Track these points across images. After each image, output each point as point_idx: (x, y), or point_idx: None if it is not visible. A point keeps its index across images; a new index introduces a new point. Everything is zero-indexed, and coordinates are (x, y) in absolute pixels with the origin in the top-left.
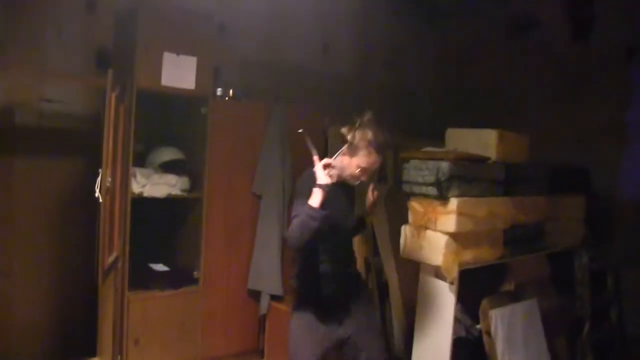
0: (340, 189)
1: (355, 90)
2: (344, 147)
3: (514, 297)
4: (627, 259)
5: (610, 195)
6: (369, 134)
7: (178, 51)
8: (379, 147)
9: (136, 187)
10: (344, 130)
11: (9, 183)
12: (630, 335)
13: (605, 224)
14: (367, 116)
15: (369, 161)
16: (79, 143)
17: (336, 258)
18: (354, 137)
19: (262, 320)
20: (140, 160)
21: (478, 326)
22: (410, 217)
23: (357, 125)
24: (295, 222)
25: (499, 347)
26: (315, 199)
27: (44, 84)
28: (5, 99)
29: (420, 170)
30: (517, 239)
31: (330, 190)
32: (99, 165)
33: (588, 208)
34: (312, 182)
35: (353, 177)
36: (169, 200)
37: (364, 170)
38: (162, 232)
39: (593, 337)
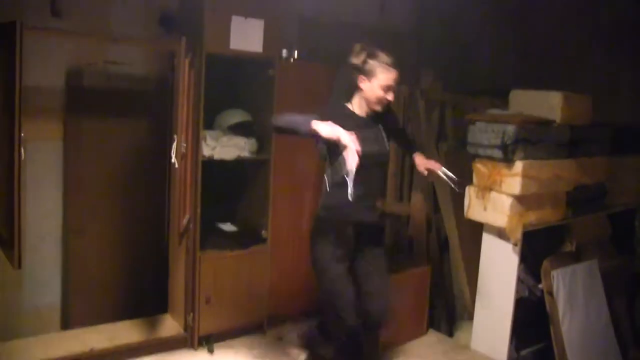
0: (369, 123)
1: (413, 48)
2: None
3: (575, 257)
4: None
5: None
6: (377, 53)
7: (245, 14)
8: (392, 62)
9: (206, 150)
10: (352, 58)
11: (79, 144)
12: None
13: None
14: (366, 41)
15: (389, 77)
16: (145, 105)
17: (367, 191)
18: (363, 60)
19: None
20: (209, 123)
21: (540, 286)
22: (475, 179)
23: (360, 49)
24: (294, 116)
25: (561, 306)
26: (323, 127)
27: (110, 46)
28: (72, 61)
29: (485, 133)
30: (579, 200)
31: (362, 126)
32: (165, 126)
33: None
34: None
35: (380, 99)
36: (237, 162)
37: (387, 87)
38: (230, 194)
39: None
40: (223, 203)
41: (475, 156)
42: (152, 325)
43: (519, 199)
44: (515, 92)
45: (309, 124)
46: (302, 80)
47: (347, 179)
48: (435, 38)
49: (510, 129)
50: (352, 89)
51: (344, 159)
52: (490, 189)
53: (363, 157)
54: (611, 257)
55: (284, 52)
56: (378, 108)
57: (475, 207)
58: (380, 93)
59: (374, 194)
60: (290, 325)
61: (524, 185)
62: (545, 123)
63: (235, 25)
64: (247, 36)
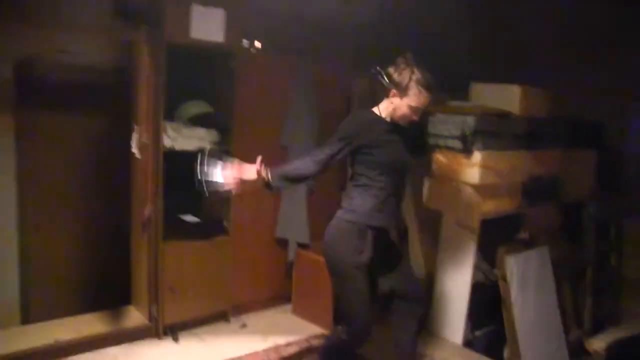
0: (395, 129)
1: (376, 41)
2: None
3: (528, 244)
4: (630, 210)
5: (619, 149)
6: (417, 73)
7: (206, 3)
8: (428, 86)
9: (167, 141)
10: (390, 70)
11: (32, 137)
12: (626, 278)
13: (613, 176)
14: (410, 55)
15: (420, 100)
16: (103, 96)
17: (392, 195)
18: (402, 76)
19: (289, 267)
20: (170, 115)
21: (495, 271)
22: (434, 169)
23: (403, 65)
24: (302, 161)
25: (513, 290)
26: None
27: (63, 35)
28: (21, 51)
29: (445, 124)
30: (533, 190)
31: (388, 130)
32: (124, 117)
33: (599, 161)
34: (352, 125)
35: (404, 117)
36: (198, 154)
37: (415, 110)
38: (192, 185)
39: (595, 280)
40: (185, 195)
41: (436, 147)
42: (116, 317)
43: (477, 188)
44: (475, 85)
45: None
46: (264, 72)
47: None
48: (396, 32)
49: (470, 120)
50: (380, 95)
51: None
52: (450, 179)
53: (390, 162)
54: (561, 245)
55: (245, 43)
56: (401, 123)
57: (434, 197)
58: (407, 112)
59: (399, 199)
60: (254, 312)
61: (482, 175)
62: (504, 115)
63: (196, 14)
64: (208, 25)
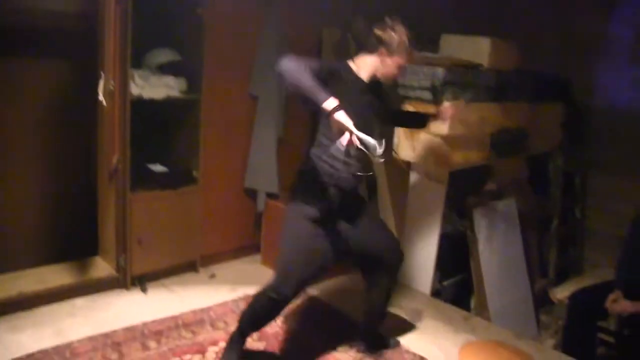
0: (369, 90)
1: None
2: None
3: (496, 196)
4: (595, 162)
5: (585, 103)
6: (406, 33)
7: None
8: (413, 44)
9: (135, 90)
10: (378, 31)
11: None
12: (590, 229)
13: (579, 129)
14: (396, 17)
15: (409, 59)
16: (68, 43)
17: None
18: (391, 36)
19: (258, 217)
20: (137, 63)
21: (463, 222)
22: None
23: (392, 25)
24: (307, 75)
25: (481, 241)
26: (342, 116)
27: None
28: None
29: (416, 75)
30: (502, 142)
31: (363, 92)
32: (91, 65)
33: (566, 115)
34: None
35: (390, 75)
36: (166, 102)
37: (402, 68)
38: (160, 134)
39: (559, 231)
40: (152, 144)
41: (406, 98)
42: (83, 268)
43: (447, 139)
44: (445, 36)
45: (324, 99)
46: (232, 20)
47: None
48: None
49: (440, 71)
50: (361, 51)
51: (341, 144)
52: (419, 130)
53: (357, 125)
54: (527, 196)
55: None
56: (385, 81)
57: (404, 147)
58: (395, 71)
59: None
60: (223, 263)
61: (451, 127)
62: (474, 67)
63: None
64: None
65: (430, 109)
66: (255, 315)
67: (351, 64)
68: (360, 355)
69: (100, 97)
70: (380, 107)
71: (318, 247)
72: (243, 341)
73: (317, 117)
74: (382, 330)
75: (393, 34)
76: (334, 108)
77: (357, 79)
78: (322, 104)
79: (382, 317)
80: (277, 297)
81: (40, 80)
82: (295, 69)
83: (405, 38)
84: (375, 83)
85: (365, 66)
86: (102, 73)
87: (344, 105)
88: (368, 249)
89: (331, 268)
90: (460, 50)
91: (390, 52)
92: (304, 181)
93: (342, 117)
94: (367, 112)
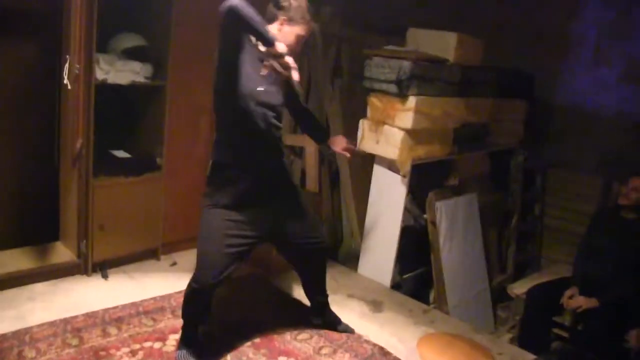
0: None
1: None
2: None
3: (457, 191)
4: (556, 160)
5: (548, 101)
6: (304, 3)
7: None
8: (311, 16)
9: (100, 74)
10: None
11: None
12: (548, 226)
13: (541, 127)
14: None
15: (308, 29)
16: (31, 24)
17: (263, 141)
18: (289, 4)
19: None
20: (102, 47)
21: (425, 216)
22: (369, 112)
23: None
24: (255, 14)
25: (442, 235)
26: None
27: None
28: None
29: (382, 68)
30: (464, 137)
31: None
32: (54, 48)
33: (528, 112)
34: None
35: (291, 48)
36: (131, 88)
37: (302, 39)
38: (124, 120)
39: (518, 228)
40: (116, 130)
41: (371, 90)
42: (43, 253)
43: (410, 133)
44: (412, 30)
45: (274, 39)
46: (201, 5)
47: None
48: None
49: (406, 64)
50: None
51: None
52: (384, 123)
53: (264, 103)
54: (488, 192)
55: None
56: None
57: (368, 140)
58: (293, 42)
59: (274, 141)
60: (184, 251)
61: (415, 120)
62: (440, 62)
63: None
64: None
65: (395, 102)
66: (187, 306)
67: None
68: (319, 345)
69: (65, 81)
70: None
71: (233, 233)
72: (193, 335)
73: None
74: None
75: (292, 1)
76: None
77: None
78: (272, 42)
79: (325, 296)
80: (198, 286)
81: (3, 62)
82: (247, 7)
83: (304, 6)
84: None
85: None
86: (67, 57)
87: (248, 70)
88: (288, 235)
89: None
90: (427, 45)
91: (289, 20)
92: (217, 170)
93: (290, 60)
94: (273, 82)
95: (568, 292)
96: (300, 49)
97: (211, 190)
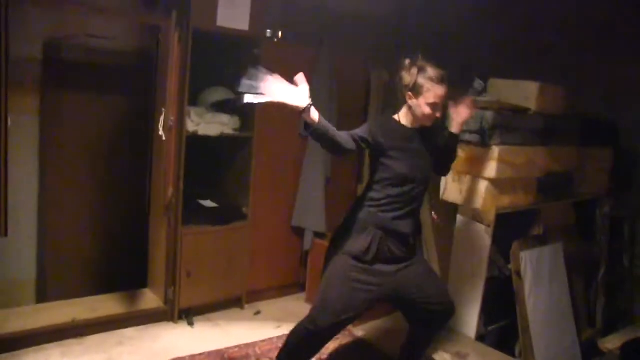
0: (417, 136)
1: (395, 34)
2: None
3: (542, 240)
4: None
5: (634, 148)
6: (428, 68)
7: None
8: (441, 78)
9: (191, 126)
10: (402, 74)
11: (56, 117)
12: (637, 277)
13: (628, 175)
14: (418, 54)
15: (436, 94)
16: (126, 80)
17: (406, 207)
18: (412, 76)
19: (304, 256)
20: (192, 100)
21: (509, 266)
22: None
23: (410, 65)
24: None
25: (527, 286)
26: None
27: (91, 19)
28: (51, 33)
29: None
30: (549, 186)
31: (409, 139)
32: (146, 101)
33: (614, 160)
34: (375, 126)
35: (427, 116)
36: (220, 139)
37: (434, 105)
38: (211, 170)
39: (607, 280)
40: (204, 180)
41: None
42: (132, 299)
43: (494, 182)
44: (493, 80)
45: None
46: (286, 61)
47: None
48: (415, 26)
49: (489, 114)
50: (401, 101)
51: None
52: (467, 173)
53: (411, 173)
54: (574, 242)
55: (268, 32)
56: (427, 124)
57: (451, 190)
58: (427, 110)
59: (415, 209)
60: (268, 300)
61: (499, 170)
62: (522, 111)
63: (222, 2)
64: (234, 13)
65: (479, 152)
66: (291, 349)
67: (395, 116)
68: None
69: (160, 132)
70: (438, 149)
71: (360, 285)
72: None
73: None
74: None
75: (413, 73)
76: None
77: (400, 127)
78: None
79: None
80: (313, 328)
81: (99, 114)
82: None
83: (427, 75)
84: (424, 128)
85: (404, 113)
86: (162, 109)
87: (399, 155)
88: (416, 298)
89: (374, 308)
90: (508, 94)
91: (415, 93)
92: (352, 222)
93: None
94: (418, 158)
95: None
96: (441, 114)
97: (344, 239)
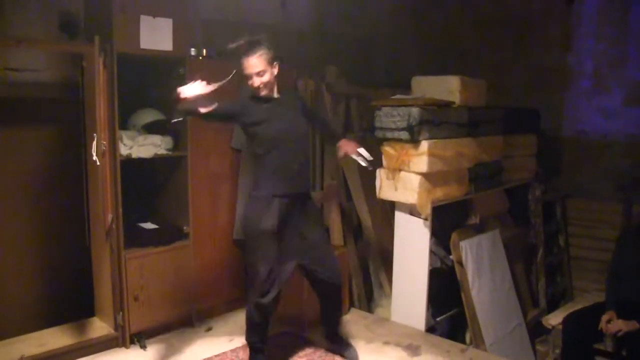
0: (279, 103)
1: (316, 44)
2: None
3: (479, 229)
4: (572, 190)
5: (556, 134)
6: (239, 46)
7: (154, 14)
8: (246, 51)
9: (124, 150)
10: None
11: None
12: (574, 256)
13: (553, 160)
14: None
15: (246, 66)
16: (52, 111)
17: (289, 163)
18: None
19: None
20: (122, 124)
21: (450, 257)
22: (384, 161)
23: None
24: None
25: (470, 274)
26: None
27: (11, 53)
28: None
29: (391, 117)
30: (479, 176)
31: (271, 105)
32: (75, 130)
33: (538, 146)
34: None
35: (252, 85)
36: (154, 160)
37: (249, 76)
38: (148, 193)
39: (545, 260)
40: (142, 202)
41: (383, 140)
42: (81, 329)
43: (427, 176)
44: (416, 78)
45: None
46: (212, 78)
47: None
48: (337, 34)
49: (415, 110)
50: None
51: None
52: (400, 169)
53: (277, 132)
54: (510, 228)
55: (192, 51)
56: (259, 93)
57: (386, 188)
58: (249, 82)
59: (295, 166)
60: (218, 316)
61: (430, 163)
62: (446, 105)
63: (144, 25)
64: (156, 35)
65: (408, 148)
66: (253, 326)
67: None
68: None
69: (94, 157)
70: (304, 111)
71: (275, 249)
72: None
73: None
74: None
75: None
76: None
77: (260, 97)
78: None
79: (336, 325)
80: (262, 299)
81: (28, 146)
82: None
83: (238, 51)
84: (286, 98)
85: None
86: (94, 135)
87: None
88: (314, 263)
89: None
90: (432, 90)
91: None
92: (256, 200)
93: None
94: (289, 117)
95: (605, 317)
96: (261, 82)
97: (253, 218)
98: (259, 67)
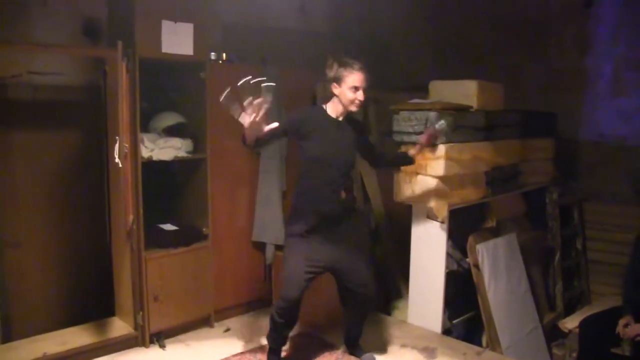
0: (340, 126)
1: (334, 48)
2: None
3: (496, 232)
4: (589, 194)
5: (573, 137)
6: (344, 59)
7: (175, 19)
8: (356, 65)
9: (145, 152)
10: (327, 72)
11: (9, 157)
12: (591, 259)
13: (570, 163)
14: (332, 53)
15: (357, 79)
16: (75, 114)
17: (329, 187)
18: (333, 70)
19: (267, 270)
20: (143, 127)
21: (467, 259)
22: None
23: (331, 61)
24: None
25: (486, 277)
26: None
27: (35, 57)
28: None
29: (409, 121)
30: (496, 179)
31: (332, 127)
32: (97, 133)
33: (556, 149)
34: (298, 113)
35: (351, 101)
36: (174, 163)
37: (355, 89)
38: (168, 194)
39: (563, 264)
40: (162, 204)
41: (401, 144)
42: (102, 328)
43: (444, 179)
44: (434, 82)
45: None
46: (231, 81)
47: None
48: (355, 38)
49: (432, 115)
50: (329, 96)
51: None
52: (417, 173)
53: (323, 154)
54: (527, 231)
55: (213, 55)
56: (354, 109)
57: (403, 191)
58: (351, 94)
59: (328, 190)
60: (236, 317)
61: (447, 167)
62: (464, 109)
63: (165, 30)
64: (177, 40)
65: (425, 152)
66: (273, 324)
67: (323, 105)
68: None
69: (117, 160)
70: (360, 140)
71: (308, 255)
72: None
73: None
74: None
75: (334, 67)
76: None
77: (327, 115)
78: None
79: (358, 334)
80: (285, 303)
81: (51, 149)
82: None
83: (344, 63)
84: (347, 122)
85: (331, 105)
86: (116, 137)
87: (316, 138)
88: (345, 273)
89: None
90: (449, 95)
91: (338, 82)
92: (294, 209)
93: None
94: (336, 144)
95: (622, 321)
96: (363, 98)
97: (289, 225)
98: (365, 84)
